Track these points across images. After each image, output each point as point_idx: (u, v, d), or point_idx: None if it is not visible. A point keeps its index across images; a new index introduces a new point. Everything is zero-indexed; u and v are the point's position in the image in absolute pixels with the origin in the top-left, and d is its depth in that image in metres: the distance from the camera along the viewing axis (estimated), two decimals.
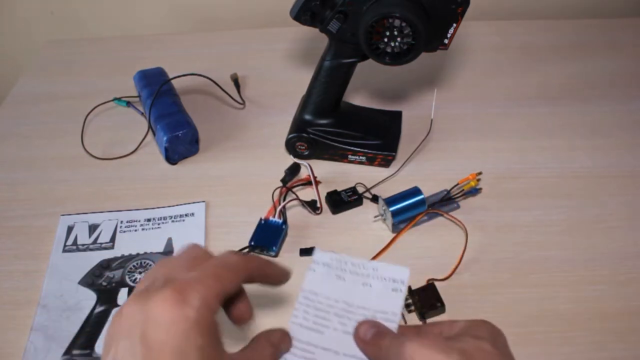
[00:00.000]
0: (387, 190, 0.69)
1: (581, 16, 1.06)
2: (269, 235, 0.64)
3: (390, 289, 0.51)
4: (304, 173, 0.72)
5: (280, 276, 0.41)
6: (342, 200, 0.68)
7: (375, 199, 0.68)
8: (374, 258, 0.62)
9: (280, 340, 0.39)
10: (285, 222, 0.66)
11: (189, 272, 0.34)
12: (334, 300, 0.50)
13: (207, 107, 0.85)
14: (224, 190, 0.72)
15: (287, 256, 0.64)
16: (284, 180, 0.70)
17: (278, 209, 0.66)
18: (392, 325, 0.42)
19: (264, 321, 0.47)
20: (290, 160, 0.73)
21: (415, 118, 0.79)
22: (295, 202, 0.69)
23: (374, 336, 0.38)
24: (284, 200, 0.68)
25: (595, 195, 0.69)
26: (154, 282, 0.34)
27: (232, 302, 0.38)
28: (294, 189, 0.70)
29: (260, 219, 0.66)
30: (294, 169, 0.72)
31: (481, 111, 0.82)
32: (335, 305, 0.50)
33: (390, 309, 0.50)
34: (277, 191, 0.69)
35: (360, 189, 0.70)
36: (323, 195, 0.69)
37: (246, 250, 0.64)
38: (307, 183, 0.71)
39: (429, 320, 0.56)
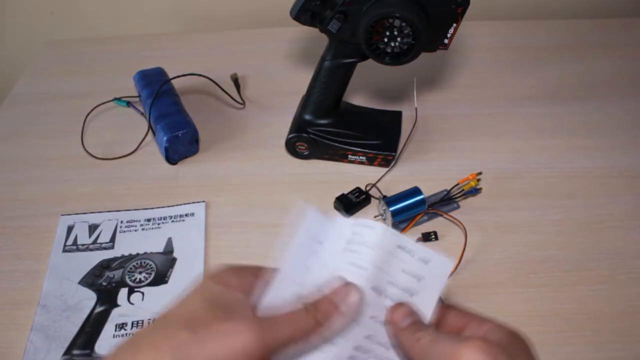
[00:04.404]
0: (387, 190, 0.69)
1: (581, 16, 1.06)
2: None
3: None
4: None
5: None
6: (352, 202, 0.68)
7: (384, 197, 0.68)
8: None
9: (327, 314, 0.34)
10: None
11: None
12: None
13: (207, 107, 0.85)
14: (224, 190, 0.72)
15: None
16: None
17: None
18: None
19: None
20: (292, 160, 0.73)
21: (414, 118, 0.79)
22: None
23: (412, 325, 0.35)
24: None
25: (595, 195, 0.69)
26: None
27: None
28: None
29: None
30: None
31: (481, 111, 0.82)
32: None
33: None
34: None
35: (367, 189, 0.69)
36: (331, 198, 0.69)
37: None
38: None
39: None
